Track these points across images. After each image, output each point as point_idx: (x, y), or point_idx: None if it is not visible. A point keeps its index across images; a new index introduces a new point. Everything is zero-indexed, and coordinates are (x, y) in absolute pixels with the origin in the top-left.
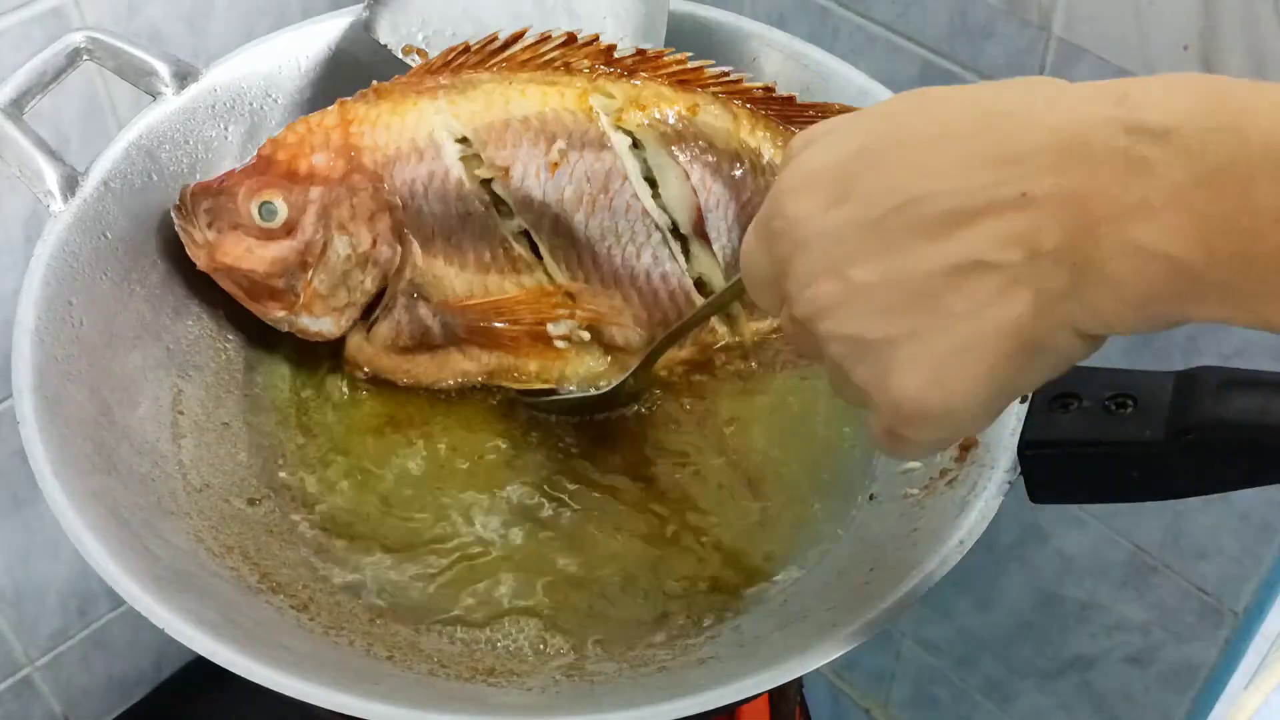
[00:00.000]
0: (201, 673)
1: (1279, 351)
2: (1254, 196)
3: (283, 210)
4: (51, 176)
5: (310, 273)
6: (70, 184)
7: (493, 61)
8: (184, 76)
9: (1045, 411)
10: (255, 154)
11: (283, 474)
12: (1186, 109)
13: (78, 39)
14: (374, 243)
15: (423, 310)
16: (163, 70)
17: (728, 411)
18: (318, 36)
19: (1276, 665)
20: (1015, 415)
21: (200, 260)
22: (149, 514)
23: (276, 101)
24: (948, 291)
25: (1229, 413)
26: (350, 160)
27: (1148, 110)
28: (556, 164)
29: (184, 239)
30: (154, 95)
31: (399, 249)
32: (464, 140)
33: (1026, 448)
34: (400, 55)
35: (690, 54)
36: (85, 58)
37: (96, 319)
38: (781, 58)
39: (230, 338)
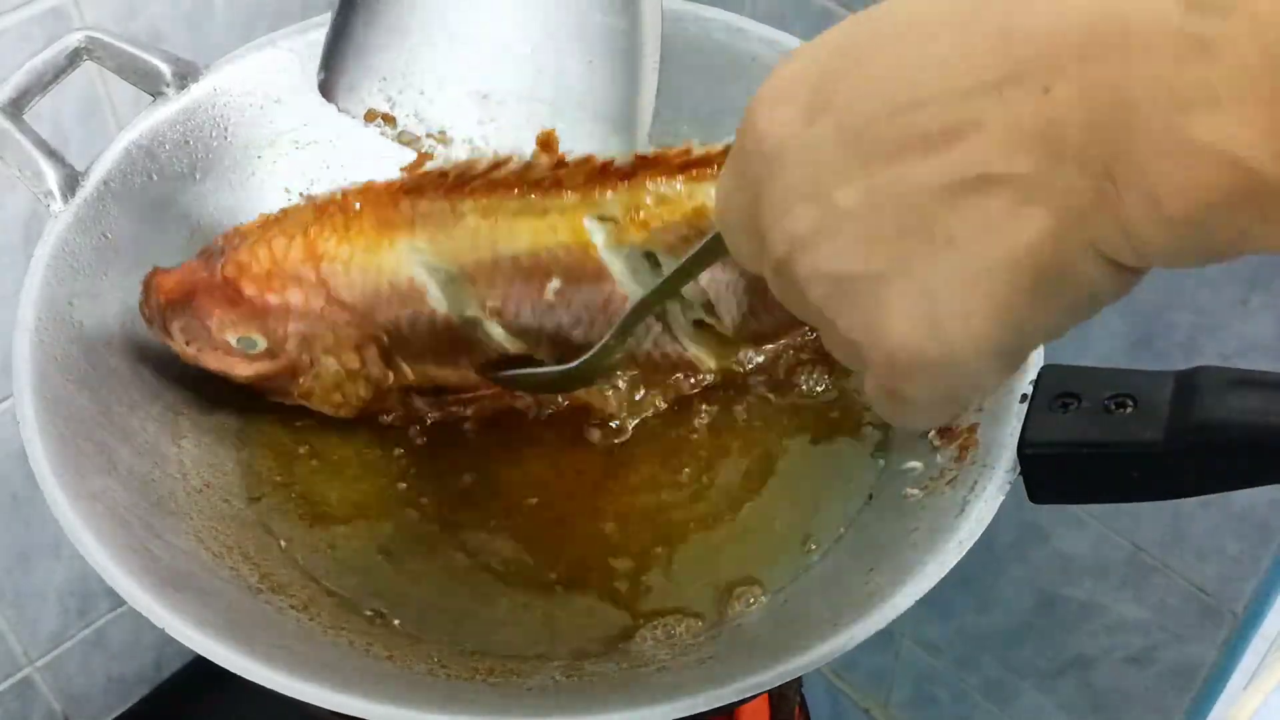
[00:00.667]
0: (201, 673)
1: (1278, 350)
2: None
3: (262, 343)
4: (51, 176)
5: (301, 380)
6: (70, 184)
7: (474, 184)
8: (184, 76)
9: (1045, 411)
10: (220, 270)
11: (279, 476)
12: None
13: (77, 39)
14: (362, 364)
15: (418, 402)
16: (163, 70)
17: (722, 424)
18: (318, 36)
19: (1276, 665)
20: (1015, 415)
21: (183, 357)
22: (149, 514)
23: (277, 101)
24: (946, 213)
25: (1229, 413)
26: (328, 297)
27: None
28: (553, 304)
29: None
30: (154, 95)
31: (388, 371)
32: (448, 273)
33: (1026, 448)
34: (364, 122)
35: (694, 142)
36: (85, 58)
37: (96, 319)
38: (782, 58)
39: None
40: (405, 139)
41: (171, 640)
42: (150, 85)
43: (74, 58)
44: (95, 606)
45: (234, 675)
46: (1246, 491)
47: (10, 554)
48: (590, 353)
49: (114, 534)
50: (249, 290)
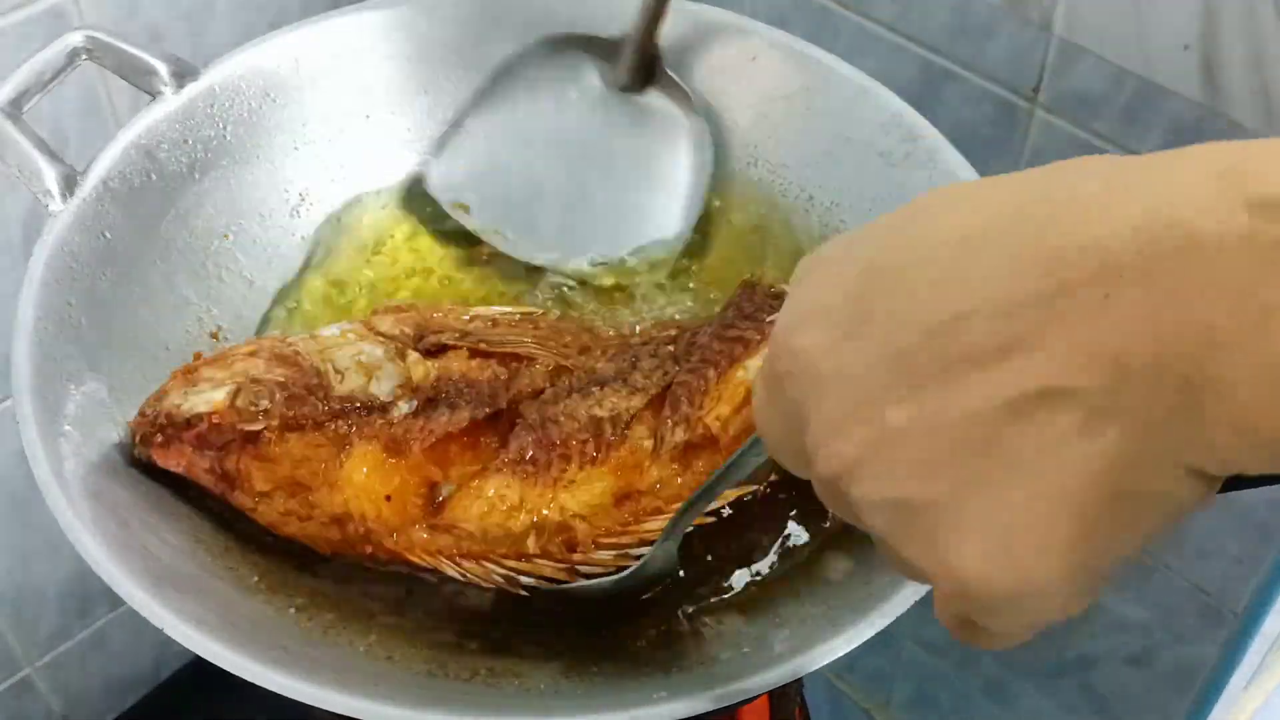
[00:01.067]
0: (200, 674)
1: None
2: None
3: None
4: (50, 176)
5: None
6: (69, 184)
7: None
8: (183, 76)
9: None
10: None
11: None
12: None
13: (77, 39)
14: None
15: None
16: (162, 70)
17: None
18: (317, 36)
19: (1276, 666)
20: None
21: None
22: (148, 514)
23: (275, 101)
24: (1008, 433)
25: None
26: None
27: (1270, 177)
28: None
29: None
30: (153, 95)
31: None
32: None
33: None
34: (448, 209)
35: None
36: (84, 57)
37: (96, 319)
38: (782, 57)
39: (228, 339)
40: (474, 229)
41: (171, 641)
42: (149, 85)
43: (73, 57)
44: (95, 607)
45: (233, 676)
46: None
47: (10, 554)
48: (639, 562)
49: (113, 534)
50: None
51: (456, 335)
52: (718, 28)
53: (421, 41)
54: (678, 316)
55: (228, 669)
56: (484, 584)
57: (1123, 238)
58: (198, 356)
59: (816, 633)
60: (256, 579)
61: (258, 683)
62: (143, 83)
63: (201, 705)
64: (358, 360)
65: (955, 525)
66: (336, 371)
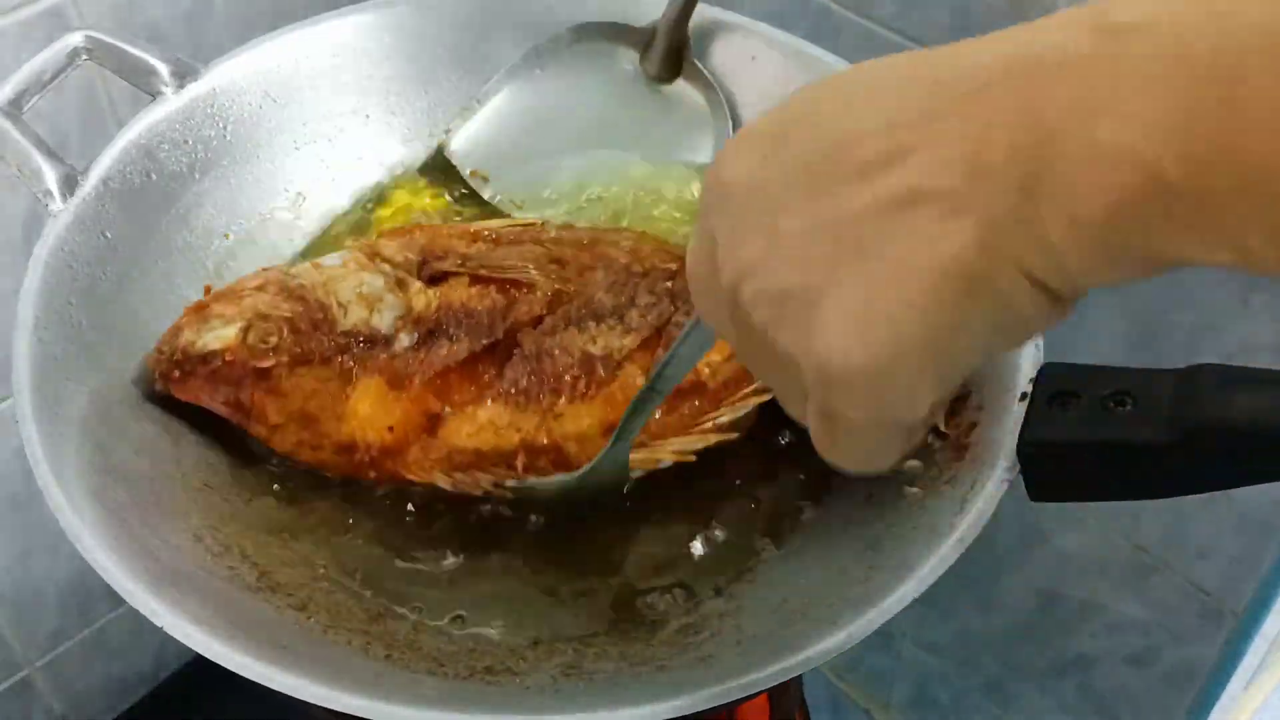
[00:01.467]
0: (200, 673)
1: (1278, 350)
2: (1242, 90)
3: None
4: (50, 176)
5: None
6: (69, 184)
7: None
8: (183, 76)
9: (1044, 409)
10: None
11: (278, 470)
12: (1166, 4)
13: (77, 39)
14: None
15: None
16: (163, 70)
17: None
18: (317, 36)
19: (1276, 666)
20: (1014, 413)
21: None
22: (148, 513)
23: (275, 101)
24: (880, 230)
25: (1230, 410)
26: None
27: (1119, 8)
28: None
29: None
30: (153, 95)
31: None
32: None
33: (1025, 446)
34: (466, 177)
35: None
36: (85, 57)
37: (96, 319)
38: (782, 57)
39: None
40: (490, 198)
41: (171, 640)
42: (149, 85)
43: (73, 57)
44: (95, 607)
45: (234, 675)
46: (1247, 491)
47: (10, 554)
48: (593, 461)
49: (113, 533)
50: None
51: (459, 261)
52: (717, 27)
53: (421, 41)
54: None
55: (226, 666)
56: (473, 492)
57: (992, 63)
58: (209, 290)
59: (815, 630)
60: (255, 578)
61: (255, 680)
62: (143, 83)
63: (201, 705)
64: (359, 292)
65: (823, 307)
66: (340, 305)
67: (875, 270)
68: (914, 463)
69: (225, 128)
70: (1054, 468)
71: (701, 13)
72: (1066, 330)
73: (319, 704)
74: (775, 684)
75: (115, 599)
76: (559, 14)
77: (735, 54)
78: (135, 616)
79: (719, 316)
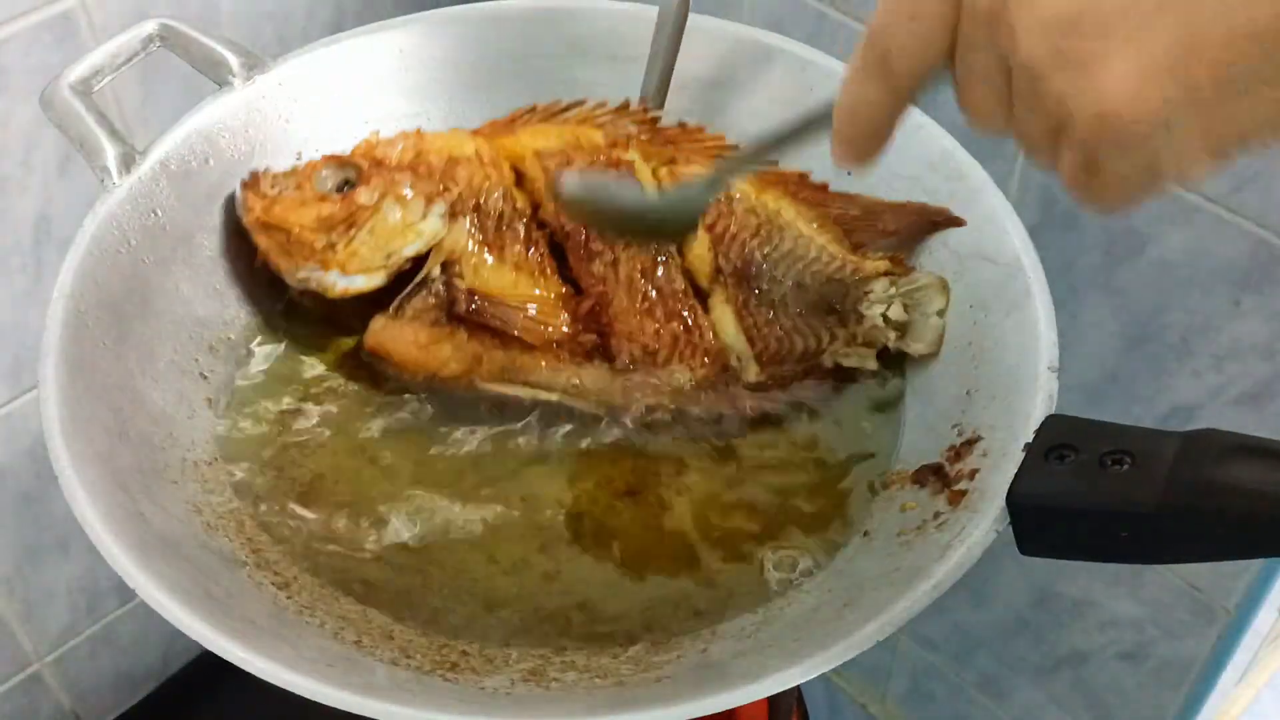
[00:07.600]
0: (208, 668)
1: (1269, 351)
2: None
3: (346, 179)
4: (110, 153)
5: (355, 231)
6: (127, 162)
7: (556, 119)
8: (251, 68)
9: (1040, 462)
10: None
11: (289, 454)
12: None
13: (152, 26)
14: (424, 215)
15: (454, 287)
16: (232, 61)
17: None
18: (386, 40)
19: (1267, 662)
20: (1015, 463)
21: (249, 216)
22: (151, 480)
23: (339, 98)
24: None
25: (1228, 479)
26: (419, 155)
27: None
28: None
29: (240, 204)
30: (220, 84)
31: (448, 227)
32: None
33: (1015, 498)
34: None
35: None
36: (158, 44)
37: (135, 292)
38: (780, 62)
39: (258, 325)
40: None
41: (179, 636)
42: (217, 75)
43: (147, 43)
44: (104, 603)
45: (240, 671)
46: None
47: (20, 551)
48: (674, 191)
49: (110, 495)
50: (353, 150)
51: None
52: (716, 31)
53: (483, 50)
54: None
55: (189, 635)
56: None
57: None
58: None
59: (783, 659)
60: (246, 553)
61: (216, 652)
62: (211, 72)
63: (209, 699)
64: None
65: (1112, 55)
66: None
67: (1173, 25)
68: (913, 505)
69: (287, 121)
70: (1042, 521)
71: (699, 19)
72: (1061, 329)
73: (265, 678)
74: (721, 709)
75: (124, 595)
76: (561, 35)
77: (733, 60)
78: (143, 613)
79: (944, 35)
